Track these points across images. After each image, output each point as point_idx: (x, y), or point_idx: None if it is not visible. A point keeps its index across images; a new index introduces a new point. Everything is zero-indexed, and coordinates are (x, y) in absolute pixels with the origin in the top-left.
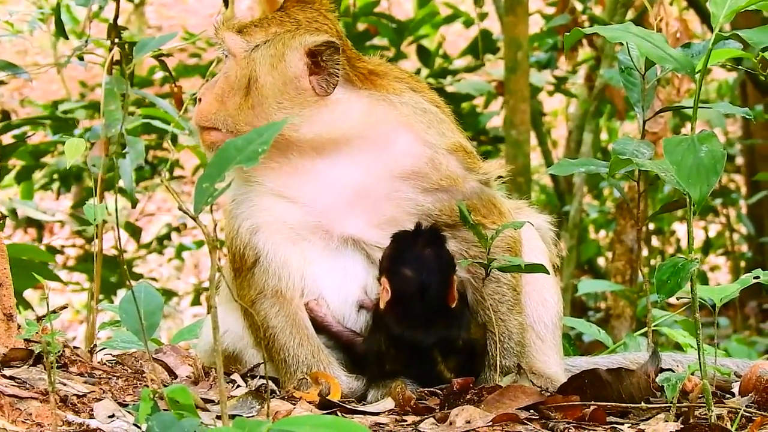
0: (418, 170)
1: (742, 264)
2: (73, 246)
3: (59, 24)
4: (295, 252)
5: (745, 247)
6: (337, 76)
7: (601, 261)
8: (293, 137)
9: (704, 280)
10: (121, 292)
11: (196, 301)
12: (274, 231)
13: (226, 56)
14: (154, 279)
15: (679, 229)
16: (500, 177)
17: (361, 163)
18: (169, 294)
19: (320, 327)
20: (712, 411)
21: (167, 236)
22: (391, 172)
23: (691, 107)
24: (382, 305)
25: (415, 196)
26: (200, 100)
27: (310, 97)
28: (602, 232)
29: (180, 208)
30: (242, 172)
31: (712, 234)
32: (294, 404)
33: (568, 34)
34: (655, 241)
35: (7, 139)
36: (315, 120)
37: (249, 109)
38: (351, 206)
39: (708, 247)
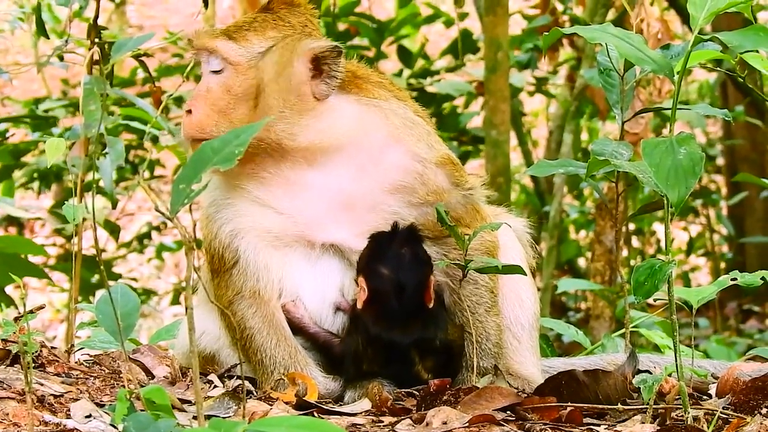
0: (407, 185)
1: (723, 265)
2: (54, 245)
3: (40, 23)
4: (275, 255)
5: (725, 248)
6: (338, 80)
7: (581, 261)
8: (290, 146)
9: (687, 281)
10: (101, 292)
11: (175, 301)
12: (256, 236)
13: (222, 69)
14: (134, 279)
15: (659, 229)
16: (483, 184)
17: (350, 175)
18: (148, 293)
19: (297, 328)
20: (689, 412)
21: (147, 235)
22: (380, 185)
23: (670, 108)
24: (359, 305)
25: (401, 209)
26: (190, 111)
27: (309, 103)
28: (582, 233)
29: (157, 209)
30: (229, 178)
31: (692, 235)
32: (271, 405)
33: (547, 34)
34: (635, 242)
35: None
36: (311, 127)
37: (257, 119)
38: (336, 217)
39: (690, 248)
